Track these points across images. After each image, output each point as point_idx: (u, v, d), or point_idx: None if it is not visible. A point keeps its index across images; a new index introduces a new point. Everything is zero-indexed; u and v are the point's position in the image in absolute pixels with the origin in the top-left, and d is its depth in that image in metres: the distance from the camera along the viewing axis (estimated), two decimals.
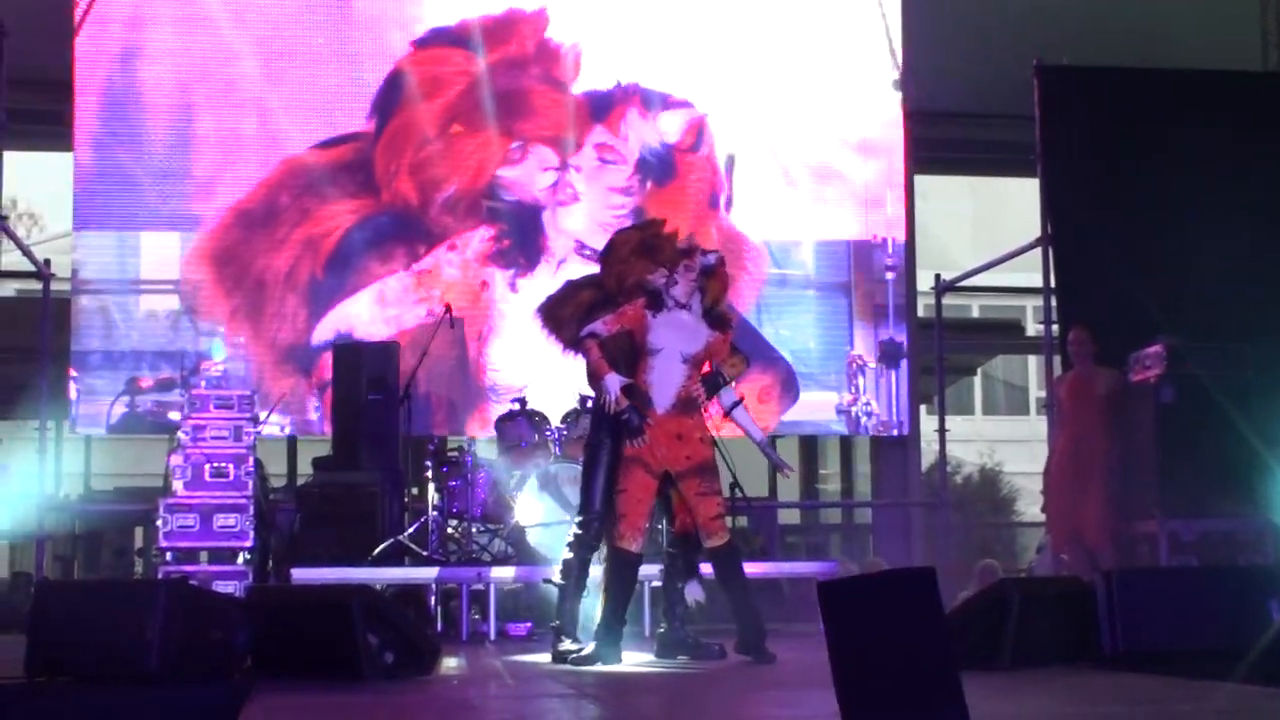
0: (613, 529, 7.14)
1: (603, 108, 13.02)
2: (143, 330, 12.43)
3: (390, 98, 12.76)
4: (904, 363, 13.27)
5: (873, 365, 13.17)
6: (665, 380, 7.03)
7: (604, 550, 7.28)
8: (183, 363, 12.18)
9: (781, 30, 13.35)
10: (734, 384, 7.32)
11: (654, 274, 7.11)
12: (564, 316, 7.32)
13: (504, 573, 9.32)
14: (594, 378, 7.22)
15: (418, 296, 12.53)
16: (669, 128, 13.10)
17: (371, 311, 12.50)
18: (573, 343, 7.31)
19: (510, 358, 12.46)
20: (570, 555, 7.30)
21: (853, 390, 13.15)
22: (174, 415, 12.02)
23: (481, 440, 11.38)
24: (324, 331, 12.38)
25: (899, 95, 13.41)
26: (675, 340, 7.05)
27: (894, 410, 13.24)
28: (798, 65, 13.32)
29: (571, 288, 7.58)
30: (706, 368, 7.22)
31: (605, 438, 7.22)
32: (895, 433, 13.48)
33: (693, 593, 7.40)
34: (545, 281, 11.81)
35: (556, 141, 12.88)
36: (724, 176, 13.10)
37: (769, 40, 13.31)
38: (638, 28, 13.18)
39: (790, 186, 13.23)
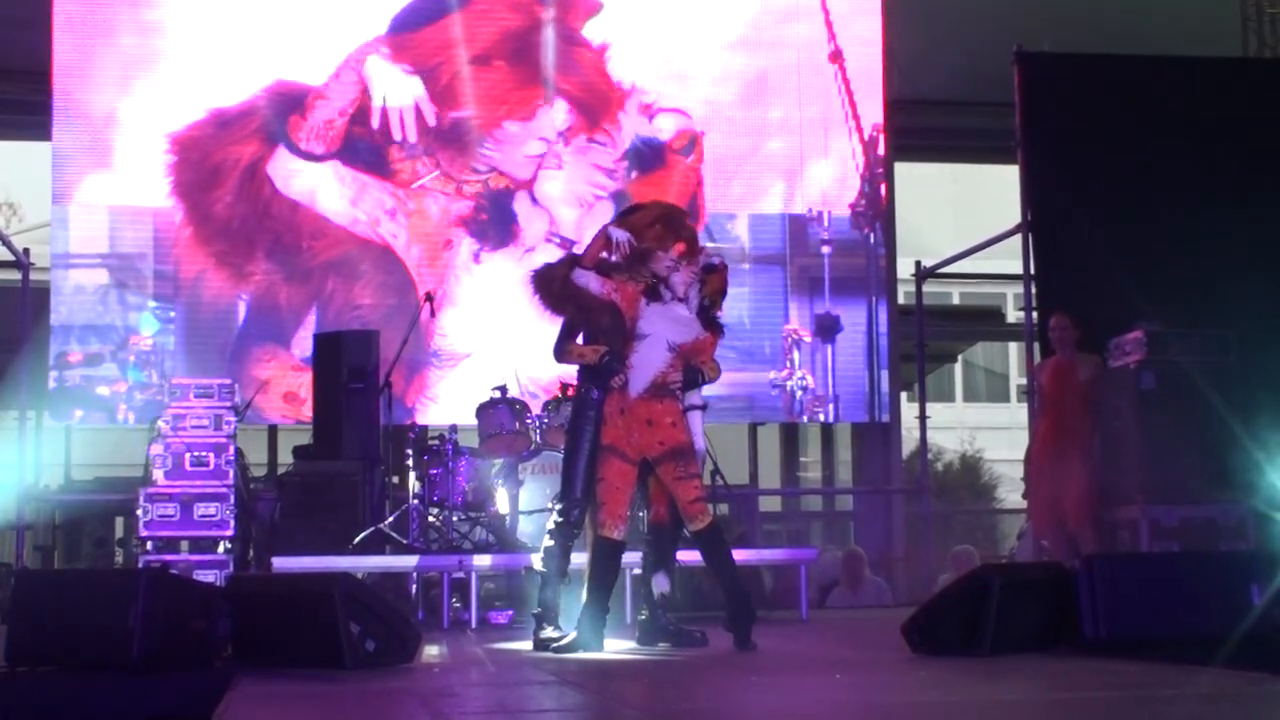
0: (594, 517, 7.14)
1: (597, 100, 13.09)
2: (71, 305, 12.41)
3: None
4: (838, 337, 13.24)
5: (808, 340, 13.15)
6: (645, 364, 7.01)
7: (586, 537, 7.27)
8: (111, 337, 12.21)
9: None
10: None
11: (662, 257, 7.07)
12: (556, 275, 7.17)
13: (485, 560, 9.32)
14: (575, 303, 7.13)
15: (382, 205, 12.56)
16: (664, 126, 13.14)
17: (333, 186, 12.59)
18: (556, 299, 7.13)
19: (459, 326, 12.51)
20: (551, 542, 7.28)
21: (787, 365, 13.12)
22: (102, 391, 12.07)
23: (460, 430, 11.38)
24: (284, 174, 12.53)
25: (833, 67, 13.40)
26: (665, 329, 7.02)
27: (829, 384, 13.19)
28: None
29: (571, 256, 7.52)
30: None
31: (586, 424, 7.21)
32: (831, 414, 13.43)
33: (659, 584, 7.38)
34: (507, 264, 11.86)
35: (584, 107, 12.87)
36: (703, 193, 13.14)
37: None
38: (640, 35, 13.24)
39: (732, 158, 13.29)
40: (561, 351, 7.33)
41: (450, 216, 12.73)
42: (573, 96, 12.95)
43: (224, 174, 12.50)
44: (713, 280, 7.20)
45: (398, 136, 12.73)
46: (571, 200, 12.64)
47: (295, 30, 12.79)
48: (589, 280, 7.03)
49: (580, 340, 7.28)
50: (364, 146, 12.70)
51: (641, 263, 7.06)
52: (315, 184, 12.60)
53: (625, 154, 12.96)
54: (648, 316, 7.03)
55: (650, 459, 7.05)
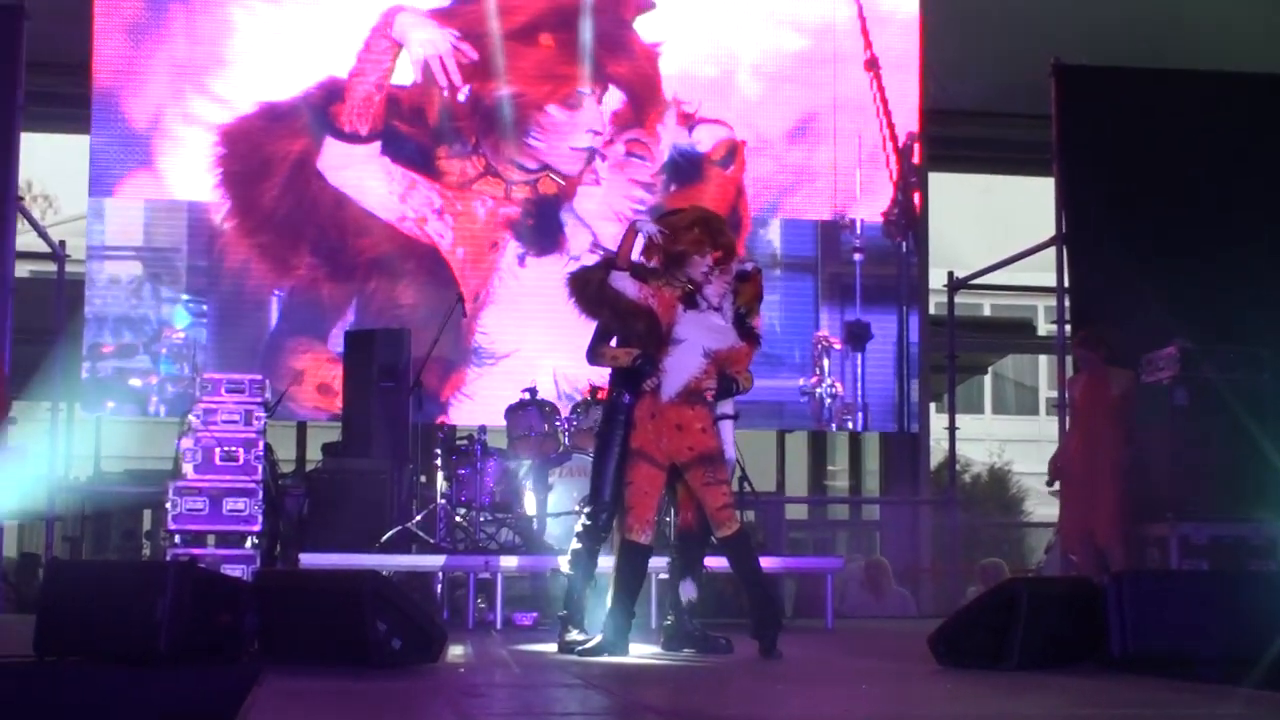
0: (622, 521, 7.14)
1: (640, 106, 13.07)
2: (105, 297, 12.45)
3: None
4: (868, 346, 13.19)
5: (838, 347, 13.12)
6: (679, 369, 7.00)
7: (614, 541, 7.27)
8: (144, 330, 12.26)
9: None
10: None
11: (699, 262, 7.06)
12: (593, 278, 7.16)
13: (511, 562, 9.33)
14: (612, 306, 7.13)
15: (431, 204, 12.59)
16: (703, 137, 13.12)
17: (381, 181, 12.62)
18: (592, 303, 7.14)
19: (500, 326, 12.51)
20: (579, 545, 7.29)
21: (817, 372, 13.09)
22: (134, 383, 12.11)
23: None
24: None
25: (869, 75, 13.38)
26: (701, 336, 7.02)
27: (859, 392, 13.16)
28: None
29: (607, 259, 7.51)
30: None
31: (617, 428, 7.21)
32: (860, 423, 13.39)
33: (686, 591, 7.38)
34: (552, 270, 11.85)
35: (634, 96, 12.90)
36: (746, 201, 13.10)
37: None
38: (678, 40, 13.23)
39: (766, 164, 13.27)
40: (594, 354, 7.34)
41: (498, 219, 12.72)
42: (623, 83, 12.93)
43: (273, 167, 12.51)
44: (746, 289, 7.18)
45: (442, 82, 12.67)
46: (611, 216, 12.62)
47: (341, 23, 12.80)
48: (626, 285, 7.03)
49: (614, 343, 7.28)
50: (412, 146, 12.69)
51: (678, 266, 7.06)
52: (363, 177, 12.60)
53: (663, 167, 12.94)
54: (684, 323, 7.03)
55: (679, 464, 7.05)
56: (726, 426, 7.25)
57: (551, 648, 7.33)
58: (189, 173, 12.50)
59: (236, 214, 12.50)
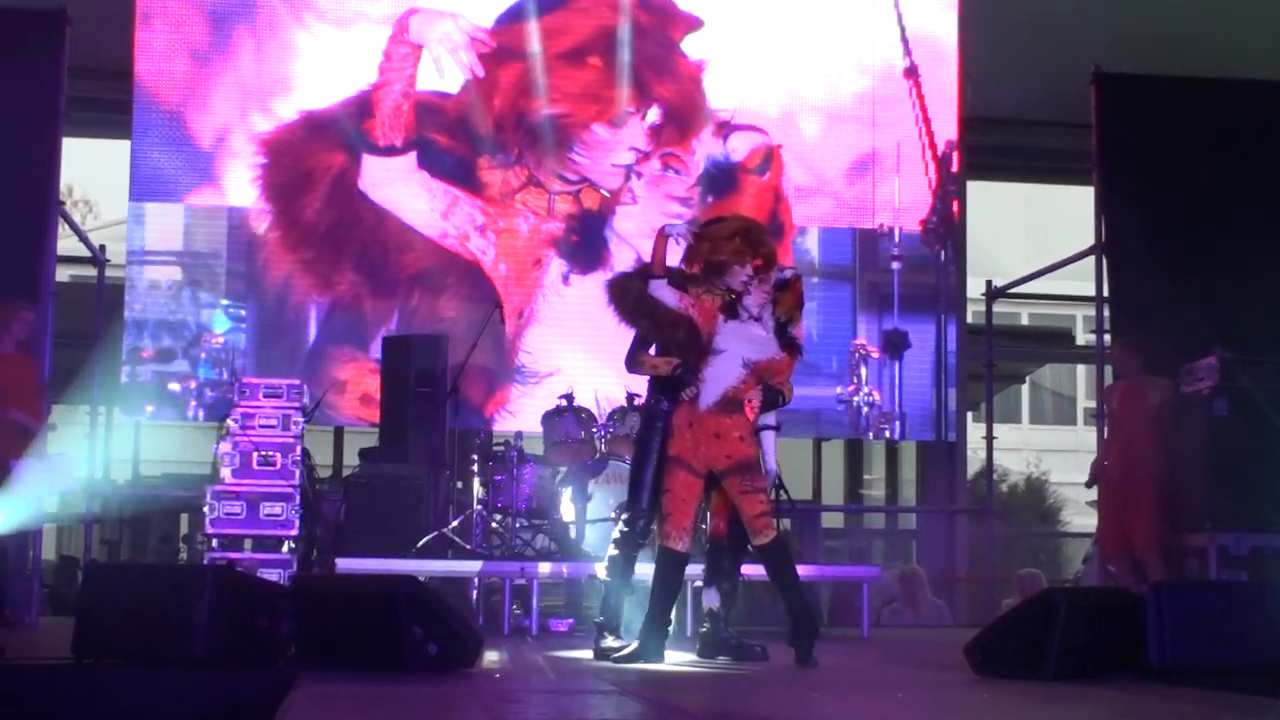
0: (660, 528, 7.14)
1: (678, 121, 13.05)
2: (145, 301, 12.51)
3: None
4: (906, 355, 13.13)
5: (875, 356, 13.08)
6: (718, 378, 7.00)
7: (653, 548, 7.27)
8: (183, 334, 12.33)
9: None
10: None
11: (739, 271, 7.05)
12: (632, 288, 7.16)
13: (547, 568, 9.33)
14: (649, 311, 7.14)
15: (473, 220, 12.59)
16: (737, 146, 13.08)
17: (422, 198, 12.62)
18: (632, 312, 7.14)
19: (545, 344, 12.50)
20: (615, 552, 7.30)
21: (854, 380, 13.05)
22: (173, 387, 12.16)
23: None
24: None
25: (908, 83, 13.34)
26: (741, 347, 7.01)
27: (896, 401, 13.12)
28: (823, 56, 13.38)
29: (644, 267, 7.48)
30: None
31: (655, 435, 7.21)
32: (897, 432, 13.33)
33: (708, 600, 7.37)
34: (597, 289, 11.80)
35: (677, 116, 12.89)
36: (787, 206, 13.08)
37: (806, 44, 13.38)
38: (716, 49, 13.21)
39: (805, 172, 13.22)
40: (633, 362, 7.34)
41: (541, 236, 12.69)
42: (666, 103, 12.92)
43: (315, 180, 12.51)
44: (786, 298, 7.14)
45: (466, 76, 12.67)
46: (649, 234, 12.62)
47: (375, 35, 12.84)
48: (665, 294, 7.03)
49: (653, 351, 7.29)
50: (451, 159, 12.69)
51: (718, 275, 7.06)
52: (404, 194, 12.59)
53: (698, 179, 12.93)
54: (724, 333, 7.02)
55: (716, 472, 7.05)
56: (769, 437, 7.24)
57: (587, 654, 7.34)
58: (228, 177, 12.55)
59: (279, 226, 12.50)
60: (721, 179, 12.98)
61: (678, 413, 7.07)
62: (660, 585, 7.11)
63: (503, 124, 12.74)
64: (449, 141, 12.72)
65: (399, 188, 12.61)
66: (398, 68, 12.71)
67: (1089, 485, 10.22)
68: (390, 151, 12.60)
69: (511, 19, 12.92)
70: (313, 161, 12.60)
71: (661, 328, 7.09)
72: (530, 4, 12.87)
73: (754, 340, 7.03)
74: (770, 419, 7.25)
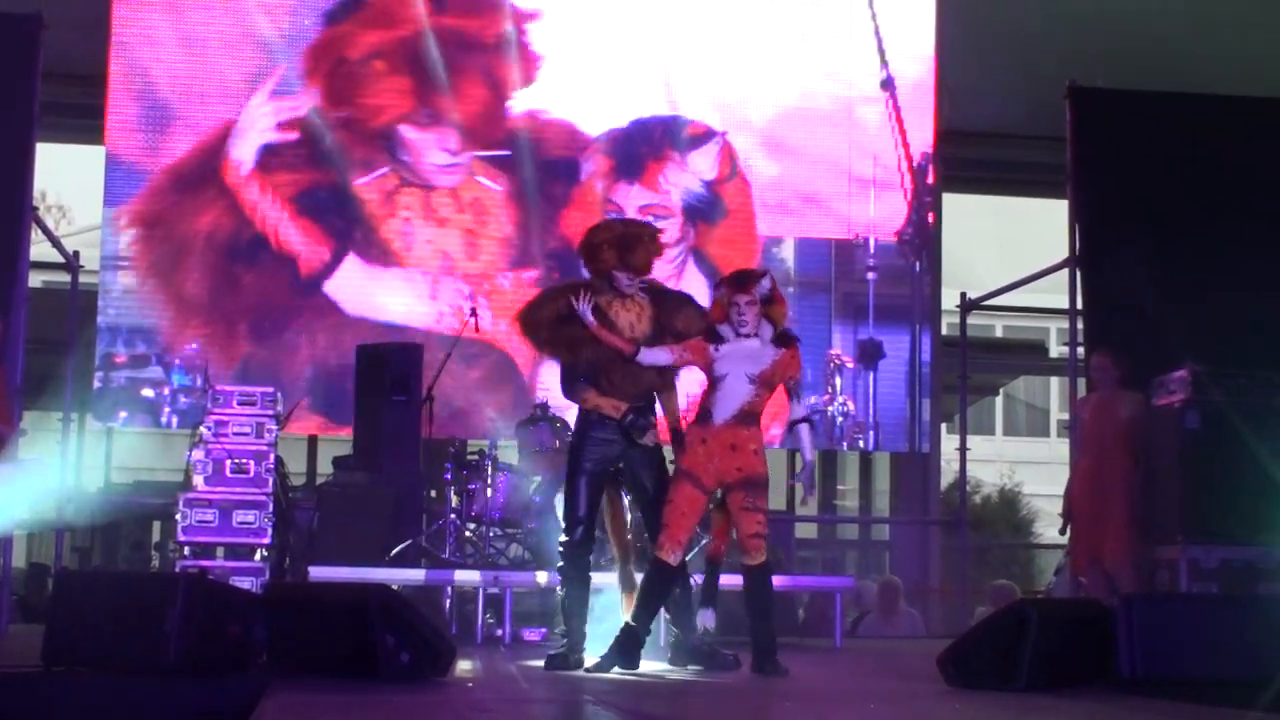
0: (655, 537, 7.13)
1: (633, 165, 13.00)
2: (118, 307, 12.49)
3: None
4: (880, 366, 13.17)
5: (850, 365, 13.10)
6: (730, 396, 7.02)
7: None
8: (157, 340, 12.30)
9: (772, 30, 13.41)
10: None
11: (619, 276, 7.12)
12: (542, 319, 7.26)
13: (520, 577, 9.32)
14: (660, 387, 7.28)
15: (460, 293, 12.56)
16: (702, 165, 13.09)
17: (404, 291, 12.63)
18: (547, 345, 7.30)
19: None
20: (564, 564, 7.27)
21: (829, 390, 13.06)
22: (146, 393, 12.13)
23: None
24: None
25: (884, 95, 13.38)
26: (740, 365, 7.02)
27: (870, 411, 13.13)
28: (795, 63, 13.38)
29: (551, 292, 7.54)
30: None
31: (588, 444, 7.23)
32: (870, 442, 13.36)
33: (705, 619, 7.35)
34: None
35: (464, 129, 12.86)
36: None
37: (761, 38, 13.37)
38: (634, 49, 13.18)
39: (781, 183, 13.26)
40: (572, 393, 7.35)
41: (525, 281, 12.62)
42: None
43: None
44: (776, 310, 7.14)
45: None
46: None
47: None
48: (659, 355, 7.08)
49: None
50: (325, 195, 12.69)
51: (608, 284, 7.16)
52: (385, 298, 12.65)
53: (683, 213, 12.92)
54: (720, 359, 7.05)
55: (725, 484, 7.03)
56: (805, 430, 7.29)
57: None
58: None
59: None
60: (705, 205, 12.96)
61: (690, 429, 7.11)
62: (646, 595, 7.09)
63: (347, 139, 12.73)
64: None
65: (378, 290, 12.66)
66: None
67: (1062, 530, 10.23)
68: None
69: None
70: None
71: (574, 352, 7.16)
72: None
73: (750, 354, 7.04)
74: (799, 411, 7.30)
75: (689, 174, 13.02)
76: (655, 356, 7.08)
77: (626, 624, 7.07)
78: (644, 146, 13.06)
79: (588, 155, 12.99)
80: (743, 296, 7.04)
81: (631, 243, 7.19)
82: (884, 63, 13.36)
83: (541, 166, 12.88)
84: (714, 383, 7.05)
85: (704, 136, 13.11)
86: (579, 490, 7.26)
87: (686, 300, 7.50)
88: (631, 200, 12.91)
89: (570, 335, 7.13)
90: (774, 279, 7.23)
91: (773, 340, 7.10)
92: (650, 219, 12.44)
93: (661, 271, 8.03)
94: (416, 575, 9.57)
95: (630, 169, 13.01)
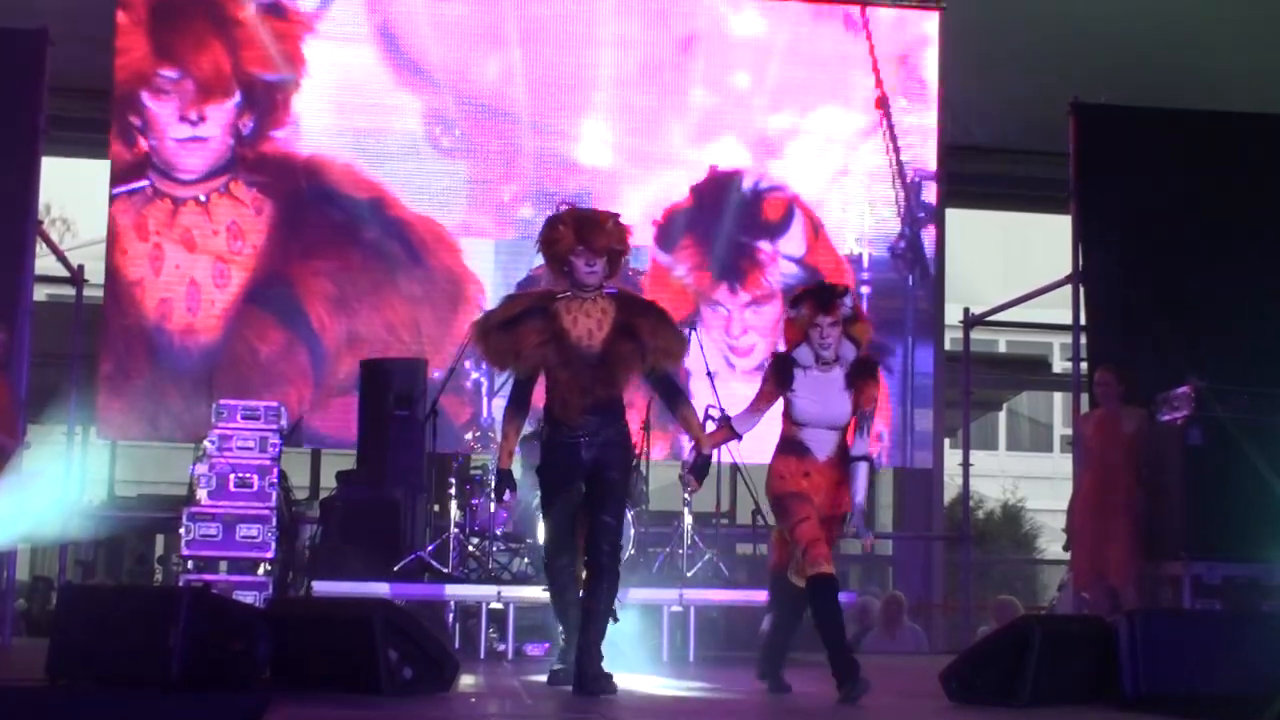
0: (804, 557, 6.71)
1: (735, 272, 13.02)
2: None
3: None
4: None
5: None
6: (820, 441, 6.77)
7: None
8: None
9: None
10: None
11: (575, 262, 6.63)
12: (491, 323, 6.83)
13: (523, 592, 9.32)
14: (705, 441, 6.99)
15: None
16: (792, 247, 13.15)
17: None
18: (490, 354, 6.83)
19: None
20: (551, 587, 7.05)
21: None
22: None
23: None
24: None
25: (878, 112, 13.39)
26: (819, 415, 6.73)
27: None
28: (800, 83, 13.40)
29: (509, 298, 7.27)
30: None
31: (559, 460, 6.83)
32: (885, 460, 13.37)
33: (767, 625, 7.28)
34: None
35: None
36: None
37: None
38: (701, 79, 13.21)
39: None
40: (519, 407, 6.96)
41: None
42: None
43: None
44: (859, 328, 6.87)
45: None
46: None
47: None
48: (751, 422, 6.84)
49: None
50: None
51: (570, 277, 6.72)
52: None
53: (782, 291, 12.81)
54: (796, 403, 6.75)
55: (824, 516, 6.78)
56: (862, 469, 6.82)
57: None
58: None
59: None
60: (802, 279, 12.70)
61: (785, 461, 6.81)
62: (824, 614, 6.68)
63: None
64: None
65: None
66: None
67: (1065, 546, 10.23)
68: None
69: None
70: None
71: (519, 362, 6.76)
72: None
73: (826, 403, 6.73)
74: (863, 449, 6.82)
75: (784, 260, 13.08)
76: (748, 426, 6.85)
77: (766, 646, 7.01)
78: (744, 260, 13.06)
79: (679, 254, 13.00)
80: (826, 318, 6.67)
81: (589, 223, 6.71)
82: (878, 81, 13.37)
83: None
84: (799, 424, 6.76)
85: (786, 215, 13.16)
86: (552, 514, 6.94)
87: (656, 310, 6.92)
88: (735, 300, 12.99)
89: (505, 345, 6.72)
90: (855, 295, 6.99)
91: (853, 369, 6.77)
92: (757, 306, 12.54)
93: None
94: (420, 590, 9.57)
95: (730, 272, 13.05)
